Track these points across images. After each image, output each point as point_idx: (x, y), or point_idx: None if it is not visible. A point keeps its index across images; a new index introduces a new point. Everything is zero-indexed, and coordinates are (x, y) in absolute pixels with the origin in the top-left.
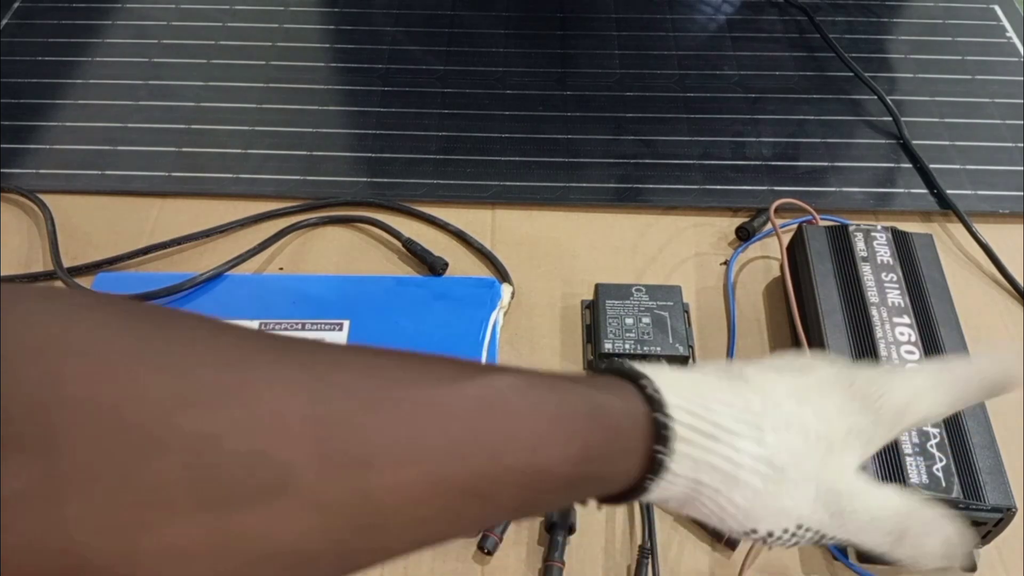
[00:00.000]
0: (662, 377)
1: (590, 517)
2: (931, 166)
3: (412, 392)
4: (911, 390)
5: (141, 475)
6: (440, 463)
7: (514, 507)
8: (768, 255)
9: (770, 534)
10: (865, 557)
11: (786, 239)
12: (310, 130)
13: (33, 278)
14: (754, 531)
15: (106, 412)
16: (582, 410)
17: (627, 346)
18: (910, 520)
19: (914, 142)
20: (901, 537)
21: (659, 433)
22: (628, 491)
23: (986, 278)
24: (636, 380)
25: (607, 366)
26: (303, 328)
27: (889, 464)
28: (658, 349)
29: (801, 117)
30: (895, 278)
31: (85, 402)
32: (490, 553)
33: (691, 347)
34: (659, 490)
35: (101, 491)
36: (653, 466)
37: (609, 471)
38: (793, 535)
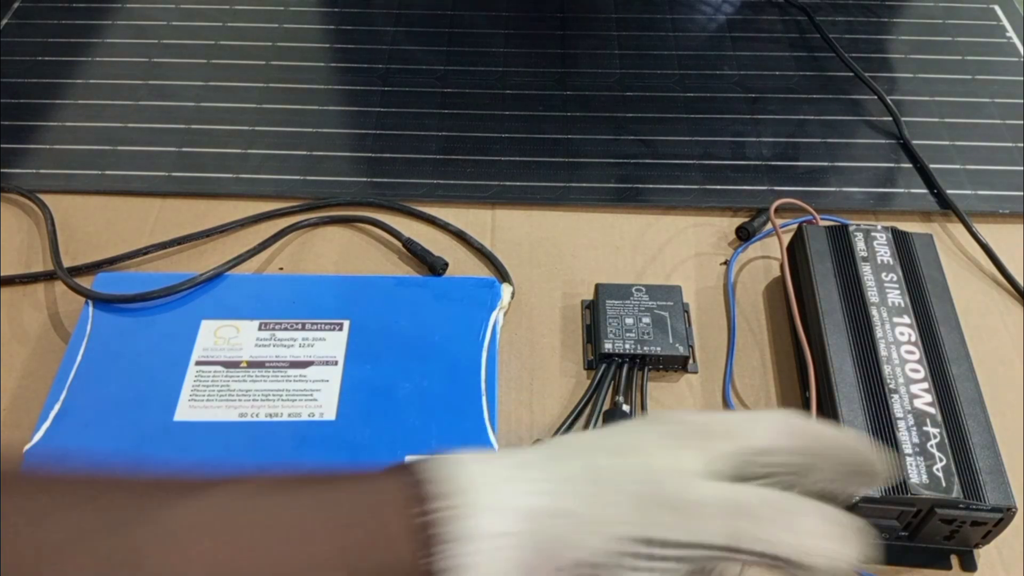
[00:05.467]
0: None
1: None
2: (931, 166)
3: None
4: (742, 417)
5: None
6: None
7: None
8: (768, 255)
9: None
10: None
11: (786, 239)
12: (310, 130)
13: (33, 278)
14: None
15: None
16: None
17: (627, 346)
18: (751, 498)
19: (914, 142)
20: (745, 518)
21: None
22: None
23: (986, 278)
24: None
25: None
26: (303, 328)
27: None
28: (658, 349)
29: (801, 117)
30: (895, 278)
31: None
32: None
33: (691, 347)
34: None
35: None
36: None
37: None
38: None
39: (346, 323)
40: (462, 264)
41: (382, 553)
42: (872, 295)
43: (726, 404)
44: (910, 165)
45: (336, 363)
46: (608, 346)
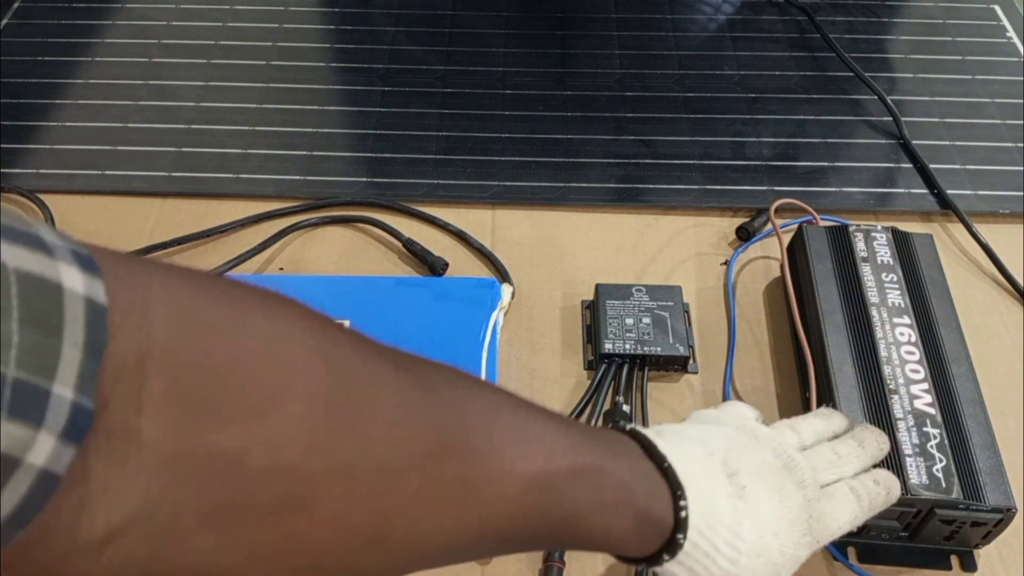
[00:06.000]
0: (693, 494)
1: None
2: (931, 166)
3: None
4: (844, 523)
5: (211, 463)
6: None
7: (533, 546)
8: (768, 255)
9: None
10: (865, 557)
11: (786, 239)
12: (310, 130)
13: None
14: None
15: (185, 396)
16: (630, 521)
17: (627, 346)
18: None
19: (914, 142)
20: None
21: (673, 540)
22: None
23: (986, 278)
24: (676, 497)
25: (664, 464)
26: None
27: (889, 465)
28: (658, 349)
29: (801, 117)
30: (895, 278)
31: (165, 383)
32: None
33: (691, 347)
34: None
35: (172, 477)
36: (657, 560)
37: (626, 552)
38: None
39: (346, 323)
40: (462, 264)
41: (633, 551)
42: (872, 295)
43: None
44: (910, 165)
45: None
46: (608, 346)
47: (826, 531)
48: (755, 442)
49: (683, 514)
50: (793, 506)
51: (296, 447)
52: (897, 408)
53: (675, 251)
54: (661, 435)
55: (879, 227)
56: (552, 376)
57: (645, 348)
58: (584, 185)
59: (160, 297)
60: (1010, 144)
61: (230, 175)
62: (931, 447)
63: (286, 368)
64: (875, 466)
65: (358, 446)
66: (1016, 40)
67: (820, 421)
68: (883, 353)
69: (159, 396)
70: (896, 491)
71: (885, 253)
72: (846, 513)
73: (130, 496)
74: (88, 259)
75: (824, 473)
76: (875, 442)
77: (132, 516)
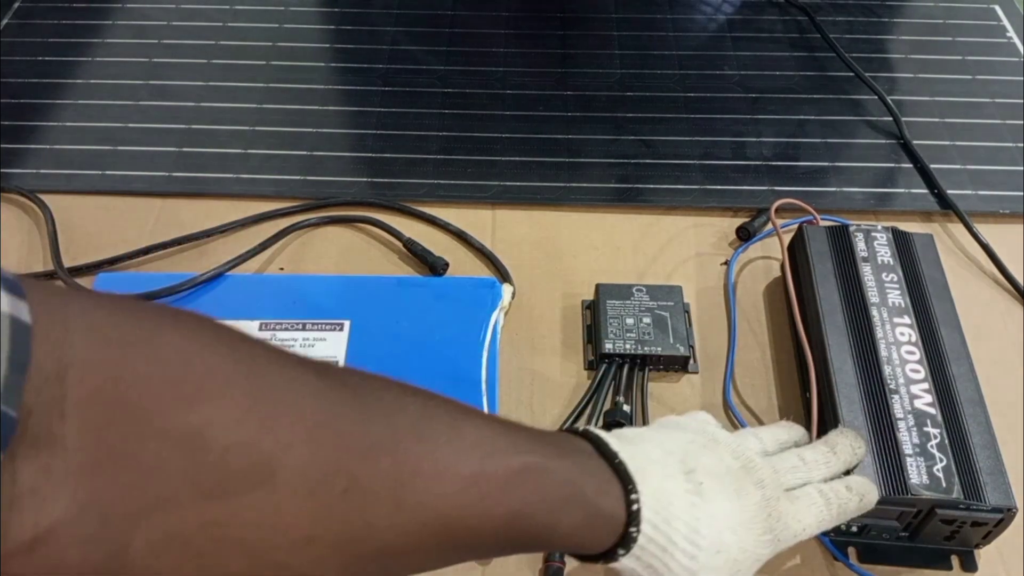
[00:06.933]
0: (647, 488)
1: None
2: (931, 166)
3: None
4: (810, 525)
5: (139, 464)
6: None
7: (482, 550)
8: (769, 255)
9: None
10: (866, 557)
11: (787, 239)
12: (310, 130)
13: (33, 278)
14: None
15: (108, 403)
16: (579, 517)
17: (628, 346)
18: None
19: (914, 142)
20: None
21: (627, 534)
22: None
23: (986, 278)
24: (627, 491)
25: (615, 460)
26: (303, 328)
27: (889, 465)
28: (659, 349)
29: (801, 117)
30: (895, 278)
31: (87, 392)
32: (561, 562)
33: (691, 347)
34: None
35: (98, 481)
36: (612, 556)
37: (582, 549)
38: None
39: (346, 323)
40: (462, 264)
41: (587, 547)
42: (872, 295)
43: (727, 404)
44: (910, 165)
45: (337, 363)
46: (608, 346)
47: (788, 531)
48: (715, 444)
49: (635, 507)
50: (750, 504)
51: (216, 448)
52: (897, 408)
53: (675, 251)
54: (620, 437)
55: (879, 227)
56: (552, 376)
57: (645, 348)
58: (584, 185)
59: (78, 317)
60: (1010, 144)
61: (230, 175)
62: (931, 447)
63: (203, 375)
64: (854, 472)
65: (280, 446)
66: (1016, 40)
67: (783, 431)
68: (883, 353)
69: (81, 404)
70: (872, 497)
71: (885, 253)
72: (811, 516)
73: (58, 499)
74: (13, 283)
75: (788, 476)
76: (849, 447)
77: (60, 519)
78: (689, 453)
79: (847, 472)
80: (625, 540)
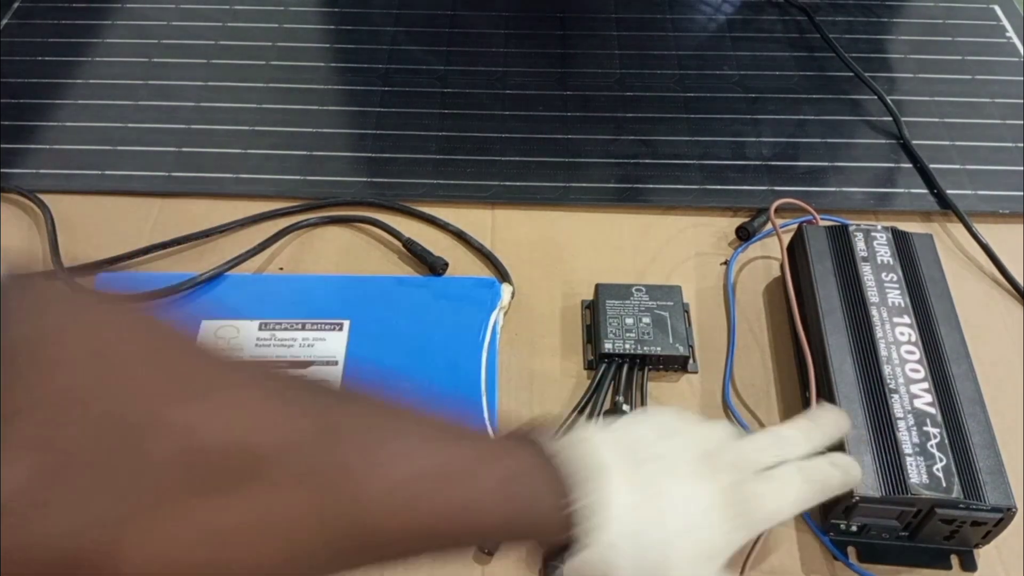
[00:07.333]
0: (605, 480)
1: None
2: (931, 166)
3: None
4: (788, 503)
5: (130, 463)
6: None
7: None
8: (768, 255)
9: None
10: (865, 556)
11: (786, 239)
12: (310, 130)
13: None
14: None
15: (97, 403)
16: (516, 522)
17: (627, 346)
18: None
19: (914, 142)
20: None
21: (570, 538)
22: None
23: (986, 278)
24: (576, 483)
25: (553, 462)
26: (303, 328)
27: (889, 464)
28: (658, 349)
29: (801, 117)
30: (895, 278)
31: (78, 393)
32: (490, 553)
33: (691, 347)
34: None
35: (90, 482)
36: (560, 557)
37: (544, 538)
38: None
39: (346, 323)
40: (462, 264)
41: (534, 512)
42: (872, 295)
43: (726, 404)
44: (910, 165)
45: (336, 363)
46: (608, 346)
47: (762, 512)
48: (675, 434)
49: (571, 509)
50: (709, 491)
51: (208, 445)
52: (897, 407)
53: (675, 251)
54: (581, 429)
55: (879, 227)
56: (552, 376)
57: (645, 348)
58: (584, 185)
59: (71, 319)
60: (1010, 144)
61: (230, 175)
62: (931, 446)
63: (191, 374)
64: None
65: (270, 442)
66: (1016, 40)
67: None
68: (883, 352)
69: (71, 403)
70: (856, 472)
71: (885, 253)
72: (789, 494)
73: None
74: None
75: (759, 455)
76: (832, 421)
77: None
78: (647, 441)
79: (836, 450)
80: (570, 542)
